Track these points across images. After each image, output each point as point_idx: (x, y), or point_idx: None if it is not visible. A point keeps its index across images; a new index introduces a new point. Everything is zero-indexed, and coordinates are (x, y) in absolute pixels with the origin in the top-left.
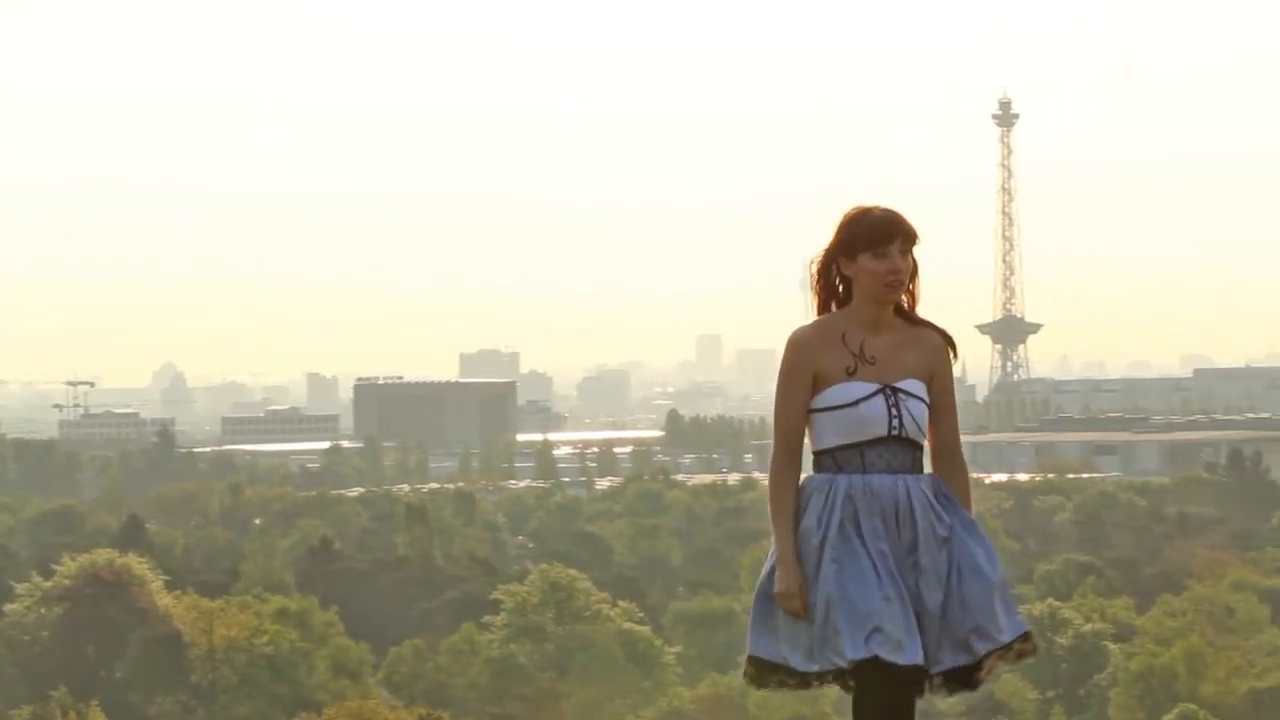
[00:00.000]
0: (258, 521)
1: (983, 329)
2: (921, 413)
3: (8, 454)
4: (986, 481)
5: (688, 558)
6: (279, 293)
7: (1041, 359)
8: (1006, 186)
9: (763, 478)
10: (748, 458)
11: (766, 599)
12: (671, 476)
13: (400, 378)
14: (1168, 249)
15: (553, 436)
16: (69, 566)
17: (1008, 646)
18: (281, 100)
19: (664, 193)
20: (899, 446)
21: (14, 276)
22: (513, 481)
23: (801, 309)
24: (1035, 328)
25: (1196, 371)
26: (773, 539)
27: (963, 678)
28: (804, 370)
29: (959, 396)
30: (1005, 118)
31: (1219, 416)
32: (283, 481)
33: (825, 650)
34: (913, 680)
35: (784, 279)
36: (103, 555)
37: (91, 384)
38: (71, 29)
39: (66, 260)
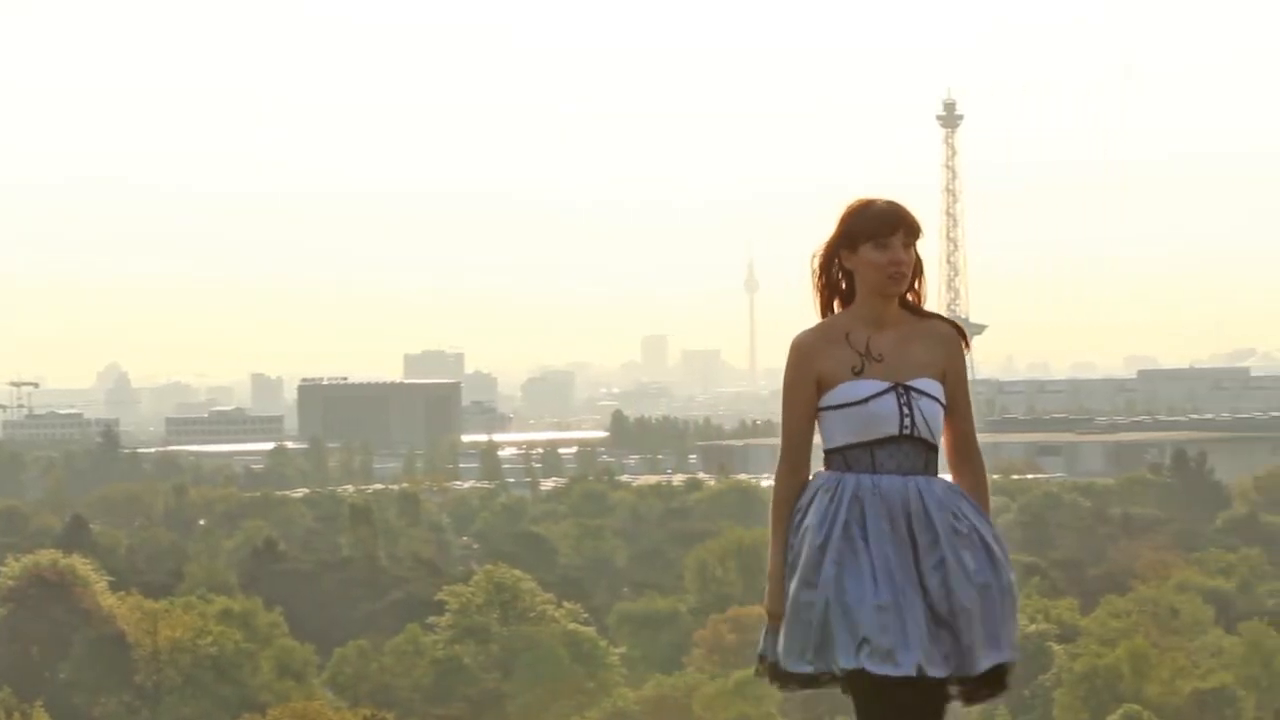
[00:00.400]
0: (202, 522)
1: None
2: (935, 412)
3: None
4: None
5: (632, 559)
6: (223, 294)
7: (986, 360)
8: (951, 188)
9: (708, 479)
10: (692, 458)
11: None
12: (616, 477)
13: (345, 378)
14: (1111, 251)
15: (497, 437)
16: (13, 567)
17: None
18: (247, 99)
19: (599, 194)
20: (910, 447)
21: None
22: (457, 482)
23: (746, 310)
24: (980, 329)
25: (1141, 373)
26: (769, 551)
27: (995, 679)
28: (806, 376)
29: None
30: (950, 119)
31: (1163, 417)
32: (227, 482)
33: (822, 654)
34: (914, 689)
35: (731, 281)
36: (46, 556)
37: (35, 385)
38: (47, 27)
39: (7, 262)
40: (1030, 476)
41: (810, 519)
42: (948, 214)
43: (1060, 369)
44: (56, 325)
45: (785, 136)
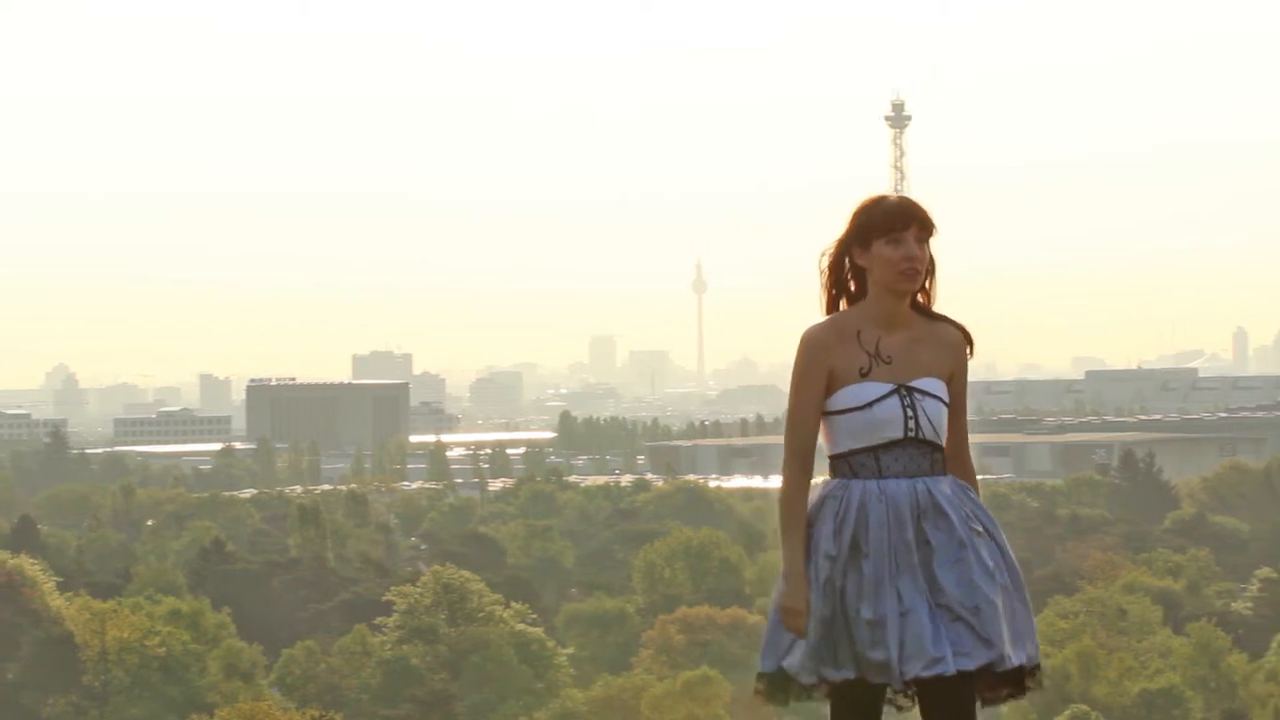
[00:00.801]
0: (150, 523)
1: None
2: (939, 413)
3: None
4: None
5: (580, 559)
6: (172, 295)
7: None
8: (899, 188)
9: (655, 479)
10: (640, 459)
11: (779, 611)
12: (564, 478)
13: (293, 379)
14: (1059, 252)
15: (445, 438)
16: None
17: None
18: (172, 102)
19: (547, 196)
20: (916, 449)
21: None
22: (405, 483)
23: (693, 311)
24: None
25: (1088, 373)
26: (781, 550)
27: (1013, 681)
28: (818, 370)
29: None
30: (898, 119)
31: (1111, 418)
32: (175, 483)
33: (822, 665)
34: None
35: (679, 282)
36: None
37: None
38: None
39: None
40: (978, 477)
41: (820, 529)
42: None
43: (1008, 370)
44: (4, 327)
45: (733, 138)
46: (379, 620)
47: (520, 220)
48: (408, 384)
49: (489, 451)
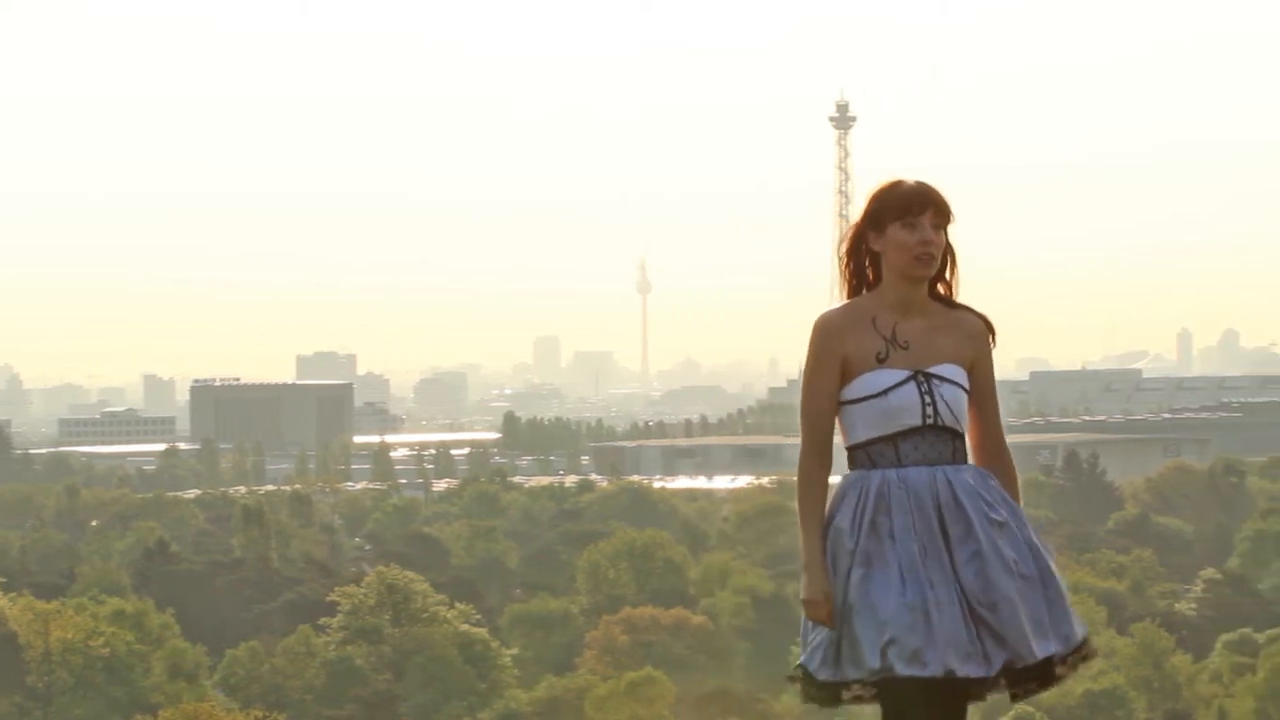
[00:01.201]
0: (94, 523)
1: None
2: (958, 399)
3: None
4: None
5: (525, 560)
6: (115, 294)
7: None
8: (844, 189)
9: (600, 480)
10: (584, 460)
11: (803, 605)
12: (508, 478)
13: (237, 379)
14: (1003, 254)
15: (390, 438)
16: None
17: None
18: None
19: (490, 194)
20: (935, 436)
21: None
22: (350, 483)
23: (638, 311)
24: None
25: (1033, 374)
26: (800, 542)
27: (1039, 673)
28: (832, 356)
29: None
30: (843, 120)
31: (1055, 419)
32: (119, 483)
33: (845, 660)
34: (942, 691)
35: (623, 282)
36: None
37: None
38: None
39: None
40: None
41: (839, 521)
42: (840, 215)
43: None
44: None
45: (677, 137)
46: (323, 621)
47: (464, 219)
48: (352, 384)
49: (433, 452)
